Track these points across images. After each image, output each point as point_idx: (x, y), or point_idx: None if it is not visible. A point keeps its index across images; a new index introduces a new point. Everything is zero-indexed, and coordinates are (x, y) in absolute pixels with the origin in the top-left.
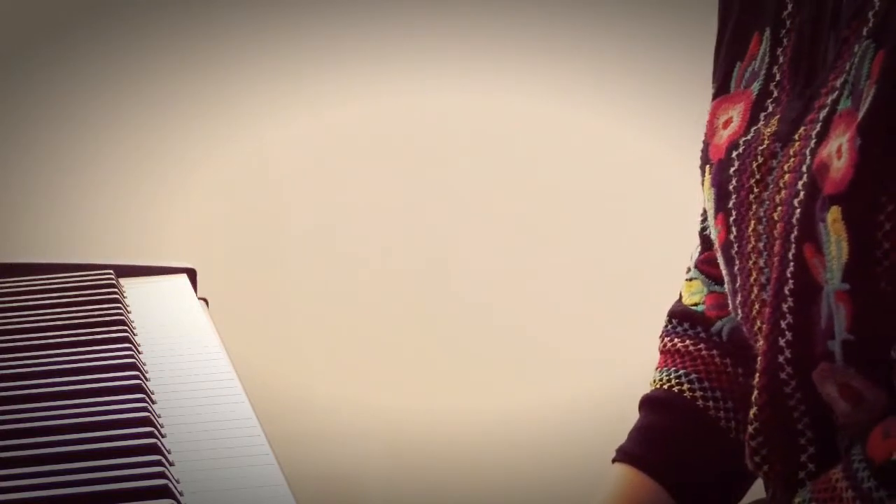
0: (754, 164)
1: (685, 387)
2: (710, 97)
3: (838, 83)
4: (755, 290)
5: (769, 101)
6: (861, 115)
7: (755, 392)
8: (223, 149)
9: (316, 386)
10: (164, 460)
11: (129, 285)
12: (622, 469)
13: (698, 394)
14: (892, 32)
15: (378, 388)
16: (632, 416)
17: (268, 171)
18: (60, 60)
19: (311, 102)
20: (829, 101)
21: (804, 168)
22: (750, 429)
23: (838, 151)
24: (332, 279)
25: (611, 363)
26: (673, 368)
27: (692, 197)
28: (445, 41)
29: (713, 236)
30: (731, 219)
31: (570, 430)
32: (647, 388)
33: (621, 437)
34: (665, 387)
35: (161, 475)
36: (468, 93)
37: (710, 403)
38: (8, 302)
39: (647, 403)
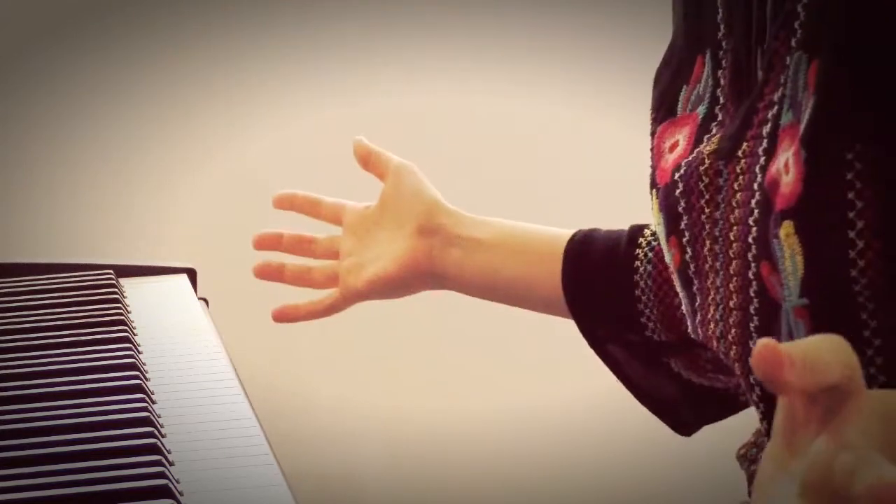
0: (701, 185)
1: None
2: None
3: (776, 97)
4: (711, 309)
5: (713, 124)
6: (802, 127)
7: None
8: (223, 149)
9: (316, 386)
10: (164, 460)
11: (129, 285)
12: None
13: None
14: (820, 42)
15: (378, 388)
16: (631, 417)
17: (268, 171)
18: (60, 60)
19: (311, 103)
20: (769, 115)
21: (755, 186)
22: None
23: (786, 166)
24: None
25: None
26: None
27: None
28: (449, 41)
29: (668, 260)
30: (685, 240)
31: (571, 430)
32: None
33: (620, 438)
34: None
35: (161, 475)
36: (471, 92)
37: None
38: (8, 302)
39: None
